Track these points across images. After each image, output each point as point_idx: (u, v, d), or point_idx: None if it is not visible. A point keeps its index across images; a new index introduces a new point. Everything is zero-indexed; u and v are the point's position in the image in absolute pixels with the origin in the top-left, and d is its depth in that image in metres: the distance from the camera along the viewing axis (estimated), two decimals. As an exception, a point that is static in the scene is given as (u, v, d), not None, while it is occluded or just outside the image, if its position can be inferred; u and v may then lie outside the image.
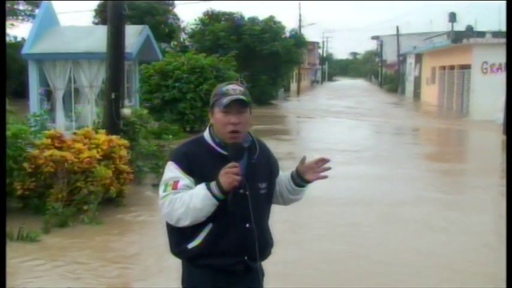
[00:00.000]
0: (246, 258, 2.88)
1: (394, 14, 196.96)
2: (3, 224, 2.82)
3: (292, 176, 3.01)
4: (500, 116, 20.35)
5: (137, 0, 37.59)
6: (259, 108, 31.13)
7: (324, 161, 2.97)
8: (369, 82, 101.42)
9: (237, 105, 2.82)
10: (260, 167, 2.94)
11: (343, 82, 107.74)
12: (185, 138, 15.74)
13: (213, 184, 2.73)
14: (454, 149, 17.82)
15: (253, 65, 33.02)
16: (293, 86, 54.32)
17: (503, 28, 26.82)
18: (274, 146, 15.94)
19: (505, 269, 3.83)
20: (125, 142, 9.19)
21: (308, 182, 3.00)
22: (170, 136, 12.91)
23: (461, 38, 28.69)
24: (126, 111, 10.73)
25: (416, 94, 45.86)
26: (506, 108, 17.41)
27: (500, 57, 22.95)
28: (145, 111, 12.53)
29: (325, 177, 2.97)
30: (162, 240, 3.27)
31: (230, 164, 2.73)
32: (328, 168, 2.96)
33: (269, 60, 33.42)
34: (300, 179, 2.98)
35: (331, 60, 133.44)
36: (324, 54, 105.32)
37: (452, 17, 35.04)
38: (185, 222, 2.77)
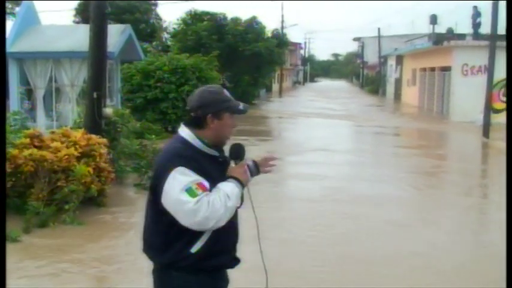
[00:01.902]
0: (235, 252, 3.02)
1: (376, 15, 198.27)
2: (3, 224, 2.81)
3: (250, 169, 3.09)
4: (480, 117, 20.59)
5: (121, 0, 37.49)
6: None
7: (271, 159, 3.19)
8: (351, 83, 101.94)
9: None
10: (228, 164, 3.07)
11: (325, 83, 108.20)
12: (168, 138, 15.67)
13: (237, 183, 2.85)
14: (435, 150, 17.98)
15: (236, 65, 33.01)
16: (275, 86, 54.41)
17: (484, 30, 27.17)
18: (256, 146, 16.04)
19: (505, 269, 3.87)
20: (104, 140, 9.15)
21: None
22: (153, 136, 12.87)
23: (442, 40, 28.89)
24: (108, 110, 10.68)
25: (397, 96, 46.16)
26: (507, 108, 17.61)
27: (481, 59, 23.22)
28: (127, 111, 12.48)
29: (268, 171, 3.16)
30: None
31: (242, 163, 2.96)
32: (274, 165, 3.17)
33: (251, 60, 33.45)
34: (257, 172, 3.11)
35: (313, 61, 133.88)
36: (306, 55, 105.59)
37: (434, 19, 35.31)
38: (221, 224, 2.76)
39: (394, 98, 46.90)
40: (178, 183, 2.72)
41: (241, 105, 2.97)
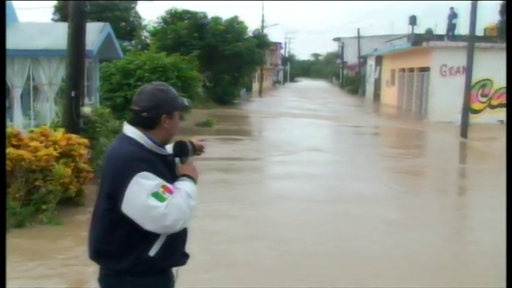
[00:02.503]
0: (184, 248, 3.00)
1: (356, 16, 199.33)
2: (3, 225, 2.78)
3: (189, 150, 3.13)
4: (458, 118, 20.78)
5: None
6: (221, 108, 31.14)
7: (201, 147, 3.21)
8: (331, 83, 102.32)
9: None
10: None
11: (305, 83, 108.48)
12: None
13: (191, 180, 2.83)
14: (413, 150, 18.12)
15: (216, 64, 32.95)
16: (255, 86, 54.40)
17: (462, 32, 27.45)
18: (235, 146, 16.02)
19: (505, 269, 3.90)
20: (85, 141, 9.07)
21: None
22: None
23: (421, 41, 29.13)
24: (86, 109, 10.58)
25: (377, 96, 46.44)
26: (507, 109, 17.75)
27: (459, 60, 23.43)
28: (106, 110, 12.38)
29: (198, 154, 3.19)
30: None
31: (190, 160, 2.92)
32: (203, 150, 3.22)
33: (232, 60, 33.41)
34: (193, 152, 3.13)
35: (293, 61, 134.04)
36: (287, 55, 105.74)
37: (413, 20, 35.61)
38: (187, 224, 2.78)
39: (374, 98, 47.17)
40: (144, 189, 2.65)
41: (185, 101, 2.96)
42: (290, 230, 7.90)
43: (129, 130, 2.86)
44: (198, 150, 3.15)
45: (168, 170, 2.82)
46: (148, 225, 2.68)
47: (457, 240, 8.13)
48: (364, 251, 7.03)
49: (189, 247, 2.99)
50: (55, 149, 8.16)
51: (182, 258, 2.97)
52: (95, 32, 13.58)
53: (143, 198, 2.64)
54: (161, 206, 2.64)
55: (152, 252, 2.76)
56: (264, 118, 28.66)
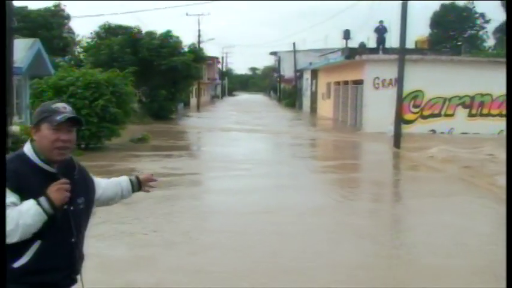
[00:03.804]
0: (71, 272, 2.99)
1: (291, 30, 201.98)
2: (3, 224, 2.70)
3: (132, 184, 3.40)
4: (391, 128, 21.28)
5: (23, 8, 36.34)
6: (158, 123, 30.85)
7: (152, 180, 3.49)
8: (268, 97, 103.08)
9: (69, 124, 2.91)
10: (79, 184, 3.03)
11: (243, 97, 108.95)
12: (80, 155, 15.21)
13: (42, 200, 2.76)
14: (349, 161, 18.41)
15: (152, 80, 32.68)
16: (193, 101, 54.22)
17: (394, 44, 28.22)
18: (171, 161, 15.86)
19: (505, 269, 3.93)
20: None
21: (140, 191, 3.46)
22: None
23: (355, 54, 29.70)
24: (15, 128, 10.28)
25: (313, 108, 47.07)
26: (507, 109, 18.10)
27: (391, 72, 24.03)
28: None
29: (147, 191, 3.49)
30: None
31: (61, 180, 2.83)
32: (153, 186, 3.49)
33: (168, 75, 33.20)
34: (138, 188, 3.41)
35: (231, 75, 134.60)
36: (224, 69, 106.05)
37: (347, 34, 36.42)
38: (13, 239, 2.72)
39: (311, 111, 47.79)
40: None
41: (60, 116, 2.87)
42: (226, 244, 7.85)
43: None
44: (144, 186, 3.39)
45: (45, 186, 2.79)
46: None
47: (394, 246, 8.26)
48: (299, 265, 7.04)
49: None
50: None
51: (61, 279, 2.93)
52: (24, 49, 13.27)
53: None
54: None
55: (17, 264, 2.79)
56: (201, 133, 28.55)
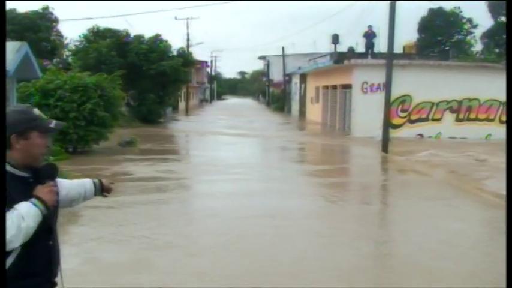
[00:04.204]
0: (51, 275, 2.95)
1: (280, 35, 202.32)
2: (3, 225, 2.66)
3: (95, 187, 3.34)
4: (379, 133, 21.35)
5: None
6: (146, 127, 30.76)
7: (110, 188, 3.42)
8: (257, 101, 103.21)
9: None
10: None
11: (232, 101, 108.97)
12: (68, 159, 15.13)
13: (35, 201, 2.73)
14: (338, 165, 18.44)
15: (140, 83, 32.60)
16: (181, 104, 54.15)
17: (382, 50, 28.34)
18: (159, 165, 15.81)
19: (506, 269, 3.93)
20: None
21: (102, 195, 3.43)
22: (50, 157, 12.38)
23: (343, 59, 29.78)
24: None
25: (302, 113, 47.16)
26: (507, 110, 18.17)
27: (379, 77, 24.13)
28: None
29: (105, 196, 3.44)
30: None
31: (51, 183, 2.84)
32: (111, 191, 3.43)
33: (156, 79, 33.14)
34: (100, 192, 3.36)
35: (220, 79, 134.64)
36: (213, 73, 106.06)
37: (335, 39, 36.54)
38: (16, 245, 2.67)
39: (299, 115, 47.88)
40: None
41: (52, 123, 2.89)
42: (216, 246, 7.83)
43: None
44: (105, 191, 3.35)
45: (24, 193, 2.75)
46: None
47: (383, 248, 8.28)
48: (293, 265, 7.05)
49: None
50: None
51: (43, 283, 2.90)
52: (11, 52, 13.13)
53: None
54: None
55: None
56: (190, 137, 28.51)
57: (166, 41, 34.86)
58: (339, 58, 30.72)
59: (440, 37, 60.38)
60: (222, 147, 22.81)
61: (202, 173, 15.34)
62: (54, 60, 36.32)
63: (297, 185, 13.93)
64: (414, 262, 7.36)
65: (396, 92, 23.65)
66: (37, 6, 42.00)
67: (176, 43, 77.80)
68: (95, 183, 3.35)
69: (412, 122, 27.75)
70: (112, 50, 31.43)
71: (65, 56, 37.88)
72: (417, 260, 7.45)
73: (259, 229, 8.96)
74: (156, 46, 33.51)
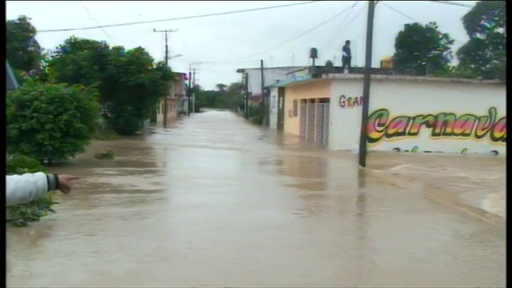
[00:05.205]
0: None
1: (259, 48, 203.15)
2: (3, 225, 2.66)
3: (49, 182, 3.27)
4: (356, 146, 21.48)
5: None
6: (123, 139, 30.55)
7: (72, 179, 3.44)
8: (236, 114, 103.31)
9: None
10: None
11: (211, 113, 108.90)
12: (43, 171, 14.92)
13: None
14: (315, 178, 18.50)
15: (118, 95, 32.41)
16: (159, 116, 54.00)
17: (359, 64, 28.59)
18: (135, 178, 15.70)
19: (505, 269, 3.94)
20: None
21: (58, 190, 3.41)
22: (25, 169, 12.21)
23: (321, 73, 29.93)
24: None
25: (280, 126, 47.32)
26: (507, 111, 18.20)
27: (357, 91, 24.31)
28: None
29: (65, 192, 3.42)
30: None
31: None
32: (72, 187, 3.41)
33: (134, 91, 32.98)
34: (55, 187, 3.31)
35: (198, 92, 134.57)
36: (191, 86, 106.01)
37: (314, 53, 36.81)
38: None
39: (277, 128, 48.02)
40: None
41: None
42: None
43: None
44: (62, 187, 3.33)
45: None
46: None
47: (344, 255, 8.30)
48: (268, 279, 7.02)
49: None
50: None
51: None
52: (-14, 61, 13.00)
53: None
54: None
55: None
56: (167, 149, 28.39)
57: (147, 54, 34.77)
58: (317, 72, 30.88)
59: (417, 52, 61.10)
60: (198, 160, 22.75)
61: (175, 186, 15.28)
62: (31, 71, 36.00)
63: (274, 197, 13.92)
64: (393, 268, 7.38)
65: (373, 106, 23.86)
66: (14, 16, 41.53)
67: (155, 55, 77.54)
68: (49, 180, 3.26)
69: (389, 136, 27.96)
70: (90, 62, 31.23)
71: (42, 67, 37.56)
72: (397, 265, 7.48)
73: (230, 242, 8.90)
74: (137, 58, 33.34)
